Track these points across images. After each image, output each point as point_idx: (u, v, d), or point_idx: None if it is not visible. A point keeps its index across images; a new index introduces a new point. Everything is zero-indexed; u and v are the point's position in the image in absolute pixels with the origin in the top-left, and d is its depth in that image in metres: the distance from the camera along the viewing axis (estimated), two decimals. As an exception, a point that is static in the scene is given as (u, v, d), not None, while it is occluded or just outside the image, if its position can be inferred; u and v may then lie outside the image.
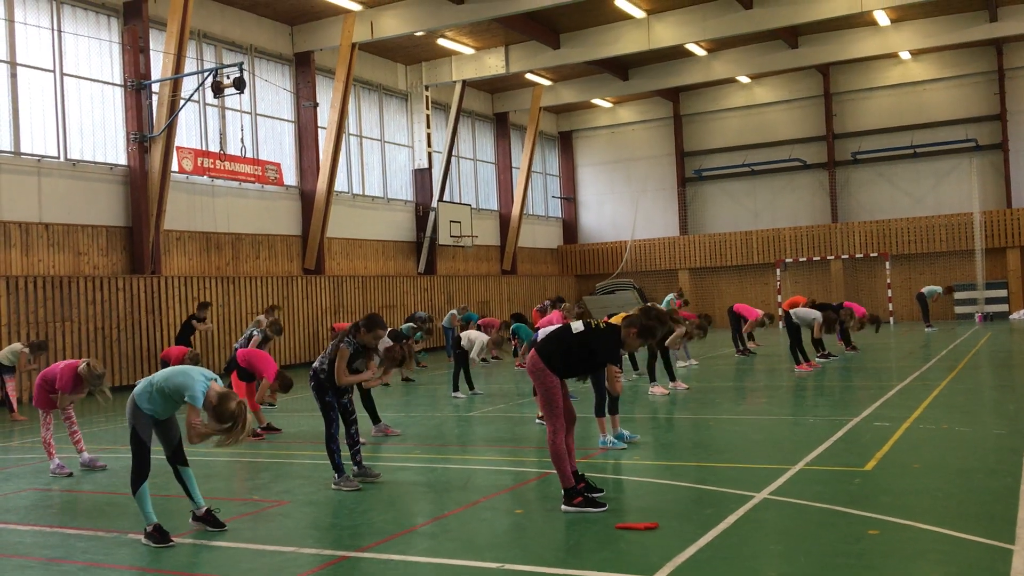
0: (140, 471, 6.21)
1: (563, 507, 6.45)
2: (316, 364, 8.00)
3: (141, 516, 6.20)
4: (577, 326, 6.70)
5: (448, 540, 5.95)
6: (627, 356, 14.64)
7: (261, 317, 18.78)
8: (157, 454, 6.43)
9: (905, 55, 30.61)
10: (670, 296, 21.30)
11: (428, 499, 7.30)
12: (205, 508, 6.42)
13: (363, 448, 9.68)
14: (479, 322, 21.50)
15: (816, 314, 15.90)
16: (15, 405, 14.28)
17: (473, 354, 14.24)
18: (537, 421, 10.86)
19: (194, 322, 18.31)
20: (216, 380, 6.24)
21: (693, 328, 15.67)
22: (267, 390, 11.08)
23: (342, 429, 8.01)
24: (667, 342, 13.93)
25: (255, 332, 14.05)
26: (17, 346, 14.51)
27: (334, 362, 7.86)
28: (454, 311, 23.87)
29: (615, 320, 9.59)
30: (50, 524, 6.94)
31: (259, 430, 11.08)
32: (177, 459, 6.43)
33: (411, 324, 21.29)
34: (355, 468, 7.93)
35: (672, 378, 13.66)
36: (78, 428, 9.22)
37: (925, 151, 31.49)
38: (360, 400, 10.21)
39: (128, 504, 6.86)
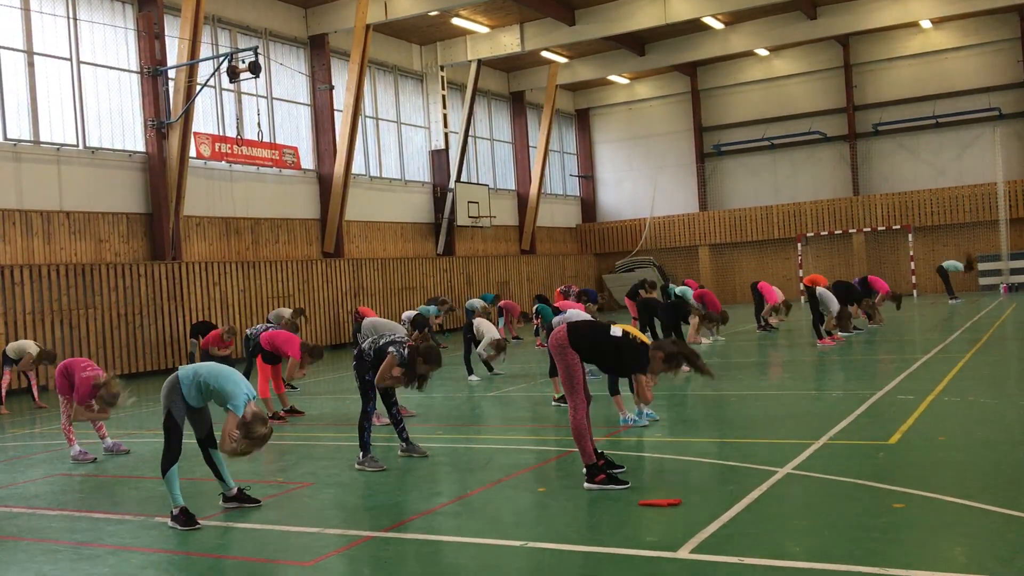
0: (171, 453, 6.27)
1: (585, 484, 6.45)
2: (365, 346, 8.05)
3: (169, 498, 6.26)
4: (615, 331, 6.62)
5: (471, 519, 5.97)
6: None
7: (284, 311, 18.92)
8: (188, 439, 6.48)
9: (926, 23, 30.15)
10: (685, 288, 20.45)
11: (451, 479, 7.33)
12: (236, 489, 6.54)
13: (387, 428, 9.73)
14: (501, 304, 21.44)
15: (835, 306, 15.60)
16: (3, 398, 14.09)
17: (480, 349, 13.64)
18: (552, 403, 10.85)
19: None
20: (254, 399, 6.32)
21: (712, 320, 15.63)
22: (295, 368, 11.00)
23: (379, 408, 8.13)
24: (689, 334, 13.95)
25: (270, 323, 14.12)
26: (28, 345, 14.29)
27: (379, 359, 7.91)
28: (477, 303, 21.81)
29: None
30: (77, 509, 7.02)
31: (282, 413, 11.15)
32: (209, 442, 6.54)
33: (434, 306, 21.34)
34: (403, 444, 8.14)
35: None
36: None
37: (947, 121, 31.08)
38: None
39: (154, 488, 6.94)
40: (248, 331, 12.12)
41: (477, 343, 13.63)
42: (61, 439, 10.14)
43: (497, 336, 13.51)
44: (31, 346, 14.25)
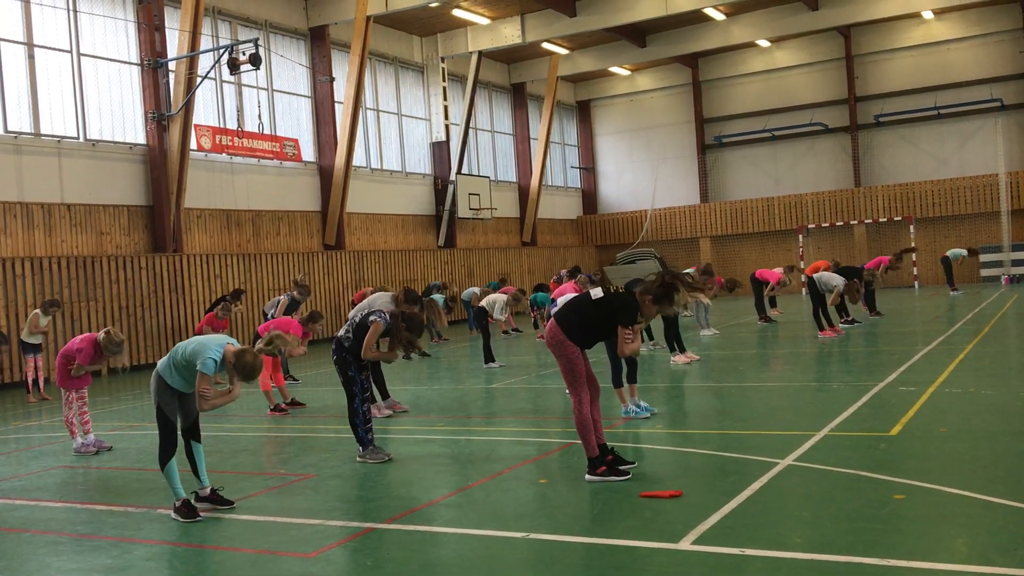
0: (167, 447, 6.27)
1: (587, 476, 6.46)
2: (341, 333, 7.92)
3: (170, 491, 6.27)
4: (596, 292, 6.65)
5: (473, 511, 5.98)
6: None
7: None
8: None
9: (928, 14, 30.06)
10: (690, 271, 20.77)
11: (453, 471, 7.34)
12: (209, 488, 6.39)
13: (386, 421, 9.75)
14: (500, 291, 21.46)
15: (838, 280, 15.60)
16: (31, 386, 14.31)
17: (496, 314, 14.56)
18: (567, 392, 10.84)
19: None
20: (232, 342, 6.28)
21: (717, 289, 15.71)
22: (296, 344, 11.01)
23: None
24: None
25: (283, 297, 14.09)
26: (32, 316, 14.59)
27: (360, 332, 7.83)
28: (476, 290, 23.12)
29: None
30: (80, 500, 7.04)
31: (284, 405, 11.16)
32: (192, 434, 6.43)
33: (440, 294, 21.45)
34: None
35: (681, 349, 13.44)
36: (88, 409, 9.25)
37: (949, 112, 31.01)
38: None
39: (156, 480, 6.95)
40: (265, 308, 12.39)
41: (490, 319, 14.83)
42: (63, 431, 10.15)
43: (505, 297, 14.83)
44: (34, 312, 14.51)
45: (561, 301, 11.63)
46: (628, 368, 9.03)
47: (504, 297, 15.05)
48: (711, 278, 16.15)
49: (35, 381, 14.45)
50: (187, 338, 18.83)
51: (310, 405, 11.52)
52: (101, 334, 8.72)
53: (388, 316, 7.82)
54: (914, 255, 28.92)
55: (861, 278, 17.00)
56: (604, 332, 6.73)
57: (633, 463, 6.62)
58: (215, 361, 6.10)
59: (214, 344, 6.19)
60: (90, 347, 8.75)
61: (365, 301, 10.89)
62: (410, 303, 10.37)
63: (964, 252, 24.60)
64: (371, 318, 7.81)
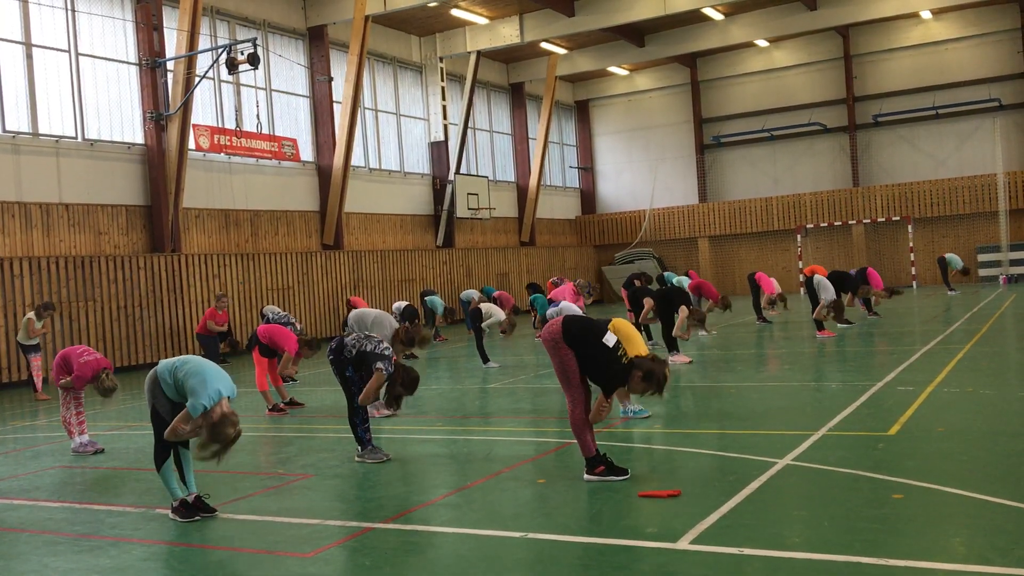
0: (163, 448, 6.24)
1: (585, 476, 6.46)
2: (349, 340, 7.84)
3: (167, 492, 6.27)
4: (609, 339, 6.46)
5: (471, 510, 5.98)
6: (641, 326, 14.64)
7: (275, 308, 18.65)
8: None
9: (926, 14, 30.08)
10: (682, 278, 20.80)
11: (451, 470, 7.34)
12: (195, 495, 6.27)
13: (385, 421, 9.75)
14: (494, 295, 21.47)
15: (830, 296, 15.58)
16: (39, 384, 14.47)
17: (484, 324, 14.70)
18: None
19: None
20: (231, 394, 6.00)
21: (711, 304, 15.98)
22: (288, 363, 11.12)
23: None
24: (675, 328, 13.60)
25: (291, 329, 14.12)
26: (26, 319, 14.68)
27: (360, 361, 7.74)
28: (475, 294, 22.34)
29: (625, 337, 9.39)
30: (78, 500, 7.03)
31: (282, 405, 11.16)
32: (181, 441, 6.25)
33: (439, 299, 21.61)
34: (366, 447, 7.85)
35: (675, 349, 13.42)
36: (84, 409, 9.23)
37: (947, 112, 31.04)
38: None
39: (153, 480, 6.94)
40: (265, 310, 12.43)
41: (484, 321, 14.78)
42: (61, 431, 10.15)
43: (504, 317, 14.88)
44: (28, 316, 14.62)
45: (567, 307, 11.71)
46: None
47: (502, 319, 14.99)
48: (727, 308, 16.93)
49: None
50: (185, 338, 19.01)
51: (308, 405, 11.52)
52: (104, 374, 8.75)
53: (391, 366, 7.73)
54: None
55: (855, 292, 17.15)
56: (589, 370, 6.53)
57: (626, 470, 6.52)
58: (205, 408, 5.85)
59: (213, 389, 5.89)
60: (89, 375, 8.78)
61: (369, 319, 10.82)
62: (410, 345, 10.81)
63: (960, 266, 24.54)
64: (377, 364, 7.64)
